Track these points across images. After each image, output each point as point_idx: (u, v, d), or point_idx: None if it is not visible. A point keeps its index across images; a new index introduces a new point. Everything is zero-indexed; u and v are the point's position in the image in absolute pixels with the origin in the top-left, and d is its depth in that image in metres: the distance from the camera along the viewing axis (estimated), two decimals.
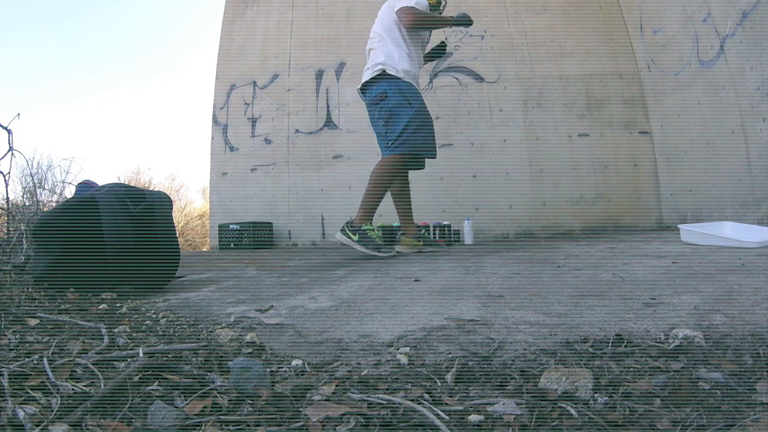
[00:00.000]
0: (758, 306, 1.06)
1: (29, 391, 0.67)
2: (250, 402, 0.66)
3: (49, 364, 0.76)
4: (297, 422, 0.60)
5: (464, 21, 2.68)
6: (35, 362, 0.77)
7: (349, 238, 2.47)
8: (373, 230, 2.53)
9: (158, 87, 24.23)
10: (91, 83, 21.81)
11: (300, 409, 0.63)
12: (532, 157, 3.97)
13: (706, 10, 2.96)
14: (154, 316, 1.24)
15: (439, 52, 2.88)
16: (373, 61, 2.62)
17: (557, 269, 1.75)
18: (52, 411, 0.61)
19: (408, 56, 2.60)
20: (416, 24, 2.56)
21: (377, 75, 2.56)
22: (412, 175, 2.79)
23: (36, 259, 1.64)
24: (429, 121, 2.61)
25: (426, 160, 2.74)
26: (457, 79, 4.16)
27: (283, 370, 0.82)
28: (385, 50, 2.58)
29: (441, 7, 2.80)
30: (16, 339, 0.95)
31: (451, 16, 2.71)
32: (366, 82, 2.63)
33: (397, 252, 2.69)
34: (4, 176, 2.21)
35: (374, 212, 2.56)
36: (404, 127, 2.50)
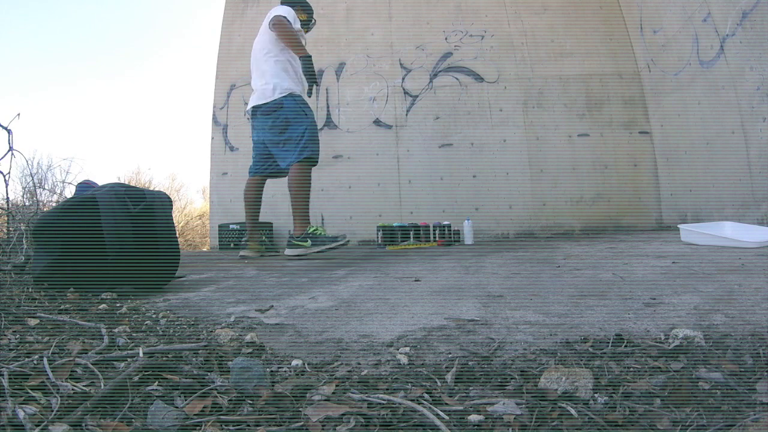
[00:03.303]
0: (758, 306, 1.06)
1: (29, 391, 0.67)
2: (250, 402, 0.66)
3: (49, 364, 0.76)
4: (297, 422, 0.60)
5: (311, 74, 2.62)
6: (35, 362, 0.77)
7: (302, 247, 2.57)
8: (317, 229, 2.63)
9: (158, 87, 24.23)
10: (92, 83, 21.83)
11: (300, 409, 0.63)
12: (532, 157, 3.97)
13: (706, 10, 2.96)
14: (154, 316, 1.24)
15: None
16: (265, 84, 2.75)
17: (557, 269, 1.75)
18: (52, 411, 0.61)
19: (292, 70, 2.72)
20: (280, 34, 2.63)
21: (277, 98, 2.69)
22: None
23: (36, 259, 1.64)
24: (316, 128, 2.77)
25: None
26: (457, 79, 4.17)
27: (283, 370, 0.82)
28: (273, 72, 2.71)
29: (310, 25, 2.92)
30: (16, 339, 0.95)
31: (308, 55, 2.61)
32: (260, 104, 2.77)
33: (241, 256, 2.79)
34: (4, 176, 2.21)
35: (309, 215, 2.68)
36: (302, 133, 2.63)
